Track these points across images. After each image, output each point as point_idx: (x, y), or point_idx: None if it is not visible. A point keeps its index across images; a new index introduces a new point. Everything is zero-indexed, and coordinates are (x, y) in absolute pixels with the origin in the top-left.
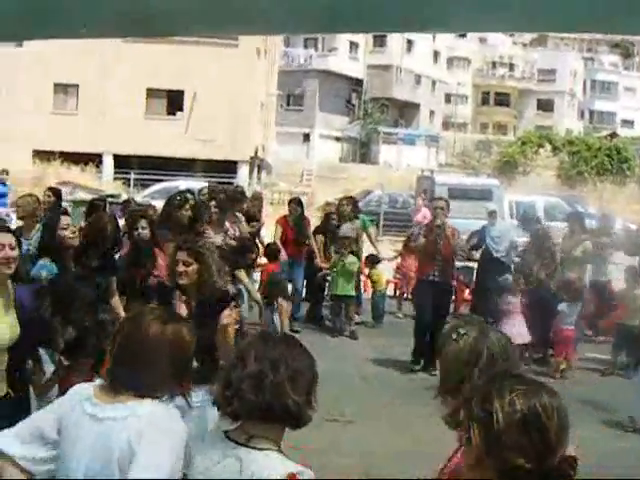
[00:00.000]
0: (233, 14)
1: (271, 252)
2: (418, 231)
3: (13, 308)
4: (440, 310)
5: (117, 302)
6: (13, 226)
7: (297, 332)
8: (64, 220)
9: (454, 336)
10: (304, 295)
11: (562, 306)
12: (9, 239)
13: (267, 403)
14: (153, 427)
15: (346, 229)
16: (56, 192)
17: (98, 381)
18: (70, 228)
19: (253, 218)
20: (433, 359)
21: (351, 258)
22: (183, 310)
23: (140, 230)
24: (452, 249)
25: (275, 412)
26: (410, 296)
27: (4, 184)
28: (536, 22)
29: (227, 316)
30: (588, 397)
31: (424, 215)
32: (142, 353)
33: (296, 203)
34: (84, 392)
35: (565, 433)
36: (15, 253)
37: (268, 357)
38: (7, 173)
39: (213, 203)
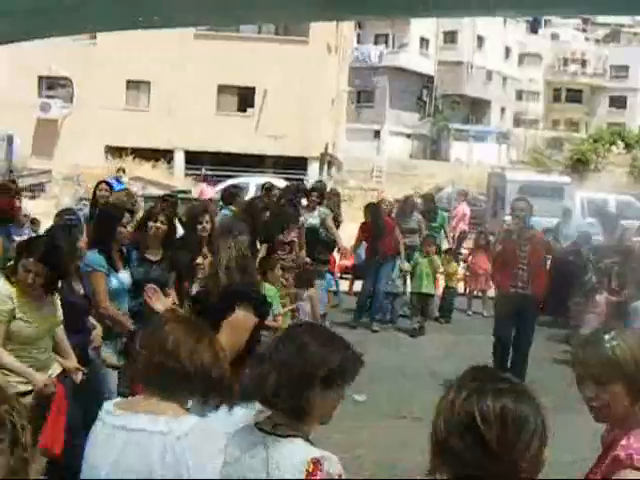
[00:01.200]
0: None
1: None
2: (496, 237)
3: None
4: (523, 326)
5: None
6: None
7: (376, 332)
8: (125, 219)
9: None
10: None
11: (634, 305)
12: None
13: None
14: (197, 451)
15: (412, 221)
16: (111, 185)
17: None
18: (128, 227)
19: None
20: None
21: (435, 257)
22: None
23: (204, 224)
24: (542, 256)
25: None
26: (480, 293)
27: (120, 181)
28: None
29: (233, 318)
30: None
31: (462, 211)
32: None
33: (371, 209)
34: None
35: (518, 440)
36: None
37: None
38: (124, 171)
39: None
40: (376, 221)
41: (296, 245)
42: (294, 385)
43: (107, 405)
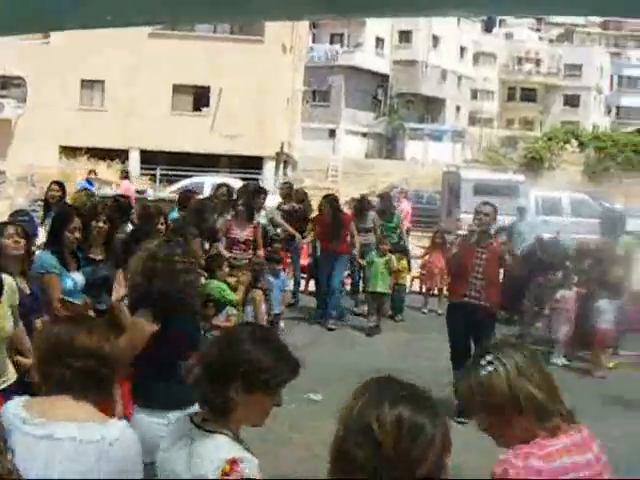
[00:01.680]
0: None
1: None
2: (454, 241)
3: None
4: (479, 338)
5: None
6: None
7: (332, 330)
8: (76, 223)
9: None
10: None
11: (602, 303)
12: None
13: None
14: (129, 454)
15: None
16: (62, 186)
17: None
18: (75, 233)
19: (302, 216)
20: None
21: (389, 255)
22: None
23: (159, 226)
24: (498, 266)
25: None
26: (436, 291)
27: (91, 183)
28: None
29: (130, 322)
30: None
31: (404, 209)
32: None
33: (330, 200)
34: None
35: (414, 448)
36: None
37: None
38: (95, 173)
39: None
40: (334, 213)
41: (250, 244)
42: (214, 379)
43: (15, 409)
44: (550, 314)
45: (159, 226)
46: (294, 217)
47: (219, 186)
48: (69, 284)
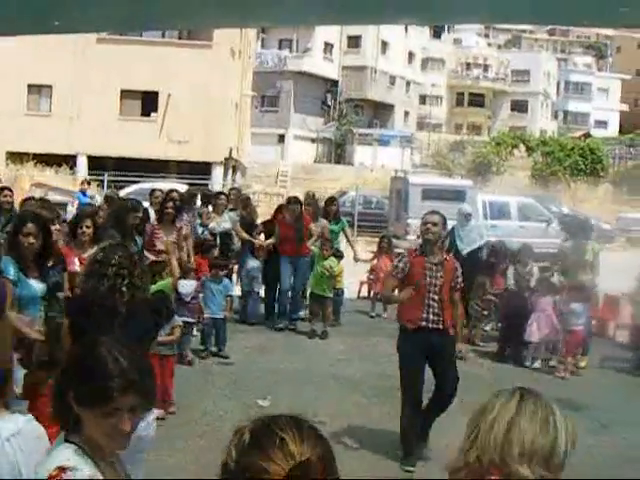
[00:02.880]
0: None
1: None
2: (401, 260)
3: None
4: (442, 367)
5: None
6: None
7: (280, 330)
8: (30, 229)
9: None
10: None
11: (573, 306)
12: None
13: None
14: (28, 450)
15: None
16: (12, 192)
17: None
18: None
19: (252, 222)
20: None
21: (332, 259)
22: None
23: (84, 229)
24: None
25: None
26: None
27: (84, 194)
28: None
29: None
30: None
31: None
32: None
33: (294, 202)
34: None
35: None
36: None
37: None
38: (89, 183)
39: (170, 204)
40: (300, 215)
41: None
42: (55, 386)
43: None
44: (527, 318)
45: (85, 229)
46: (242, 223)
47: (153, 191)
48: (24, 292)
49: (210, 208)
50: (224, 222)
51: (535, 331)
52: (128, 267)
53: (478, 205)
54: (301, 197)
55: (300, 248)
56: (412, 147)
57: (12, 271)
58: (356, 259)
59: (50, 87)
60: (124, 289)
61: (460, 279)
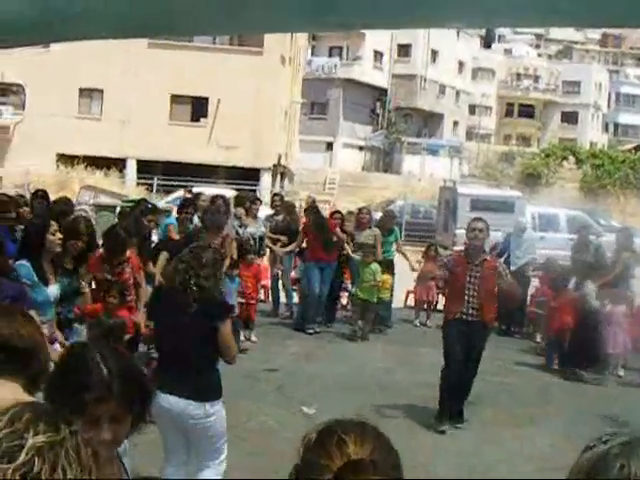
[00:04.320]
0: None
1: None
2: (446, 260)
3: None
4: (469, 355)
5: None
6: None
7: (312, 334)
8: (53, 225)
9: None
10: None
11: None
12: None
13: None
14: None
15: (365, 236)
16: (45, 194)
17: None
18: (57, 234)
19: (290, 228)
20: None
21: (375, 266)
22: None
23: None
24: (493, 283)
25: None
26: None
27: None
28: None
29: None
30: None
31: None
32: None
33: (312, 210)
34: None
35: None
36: None
37: None
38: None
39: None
40: (320, 221)
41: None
42: (43, 392)
43: None
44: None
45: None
46: (283, 229)
47: (197, 195)
48: (40, 298)
49: (242, 211)
50: (262, 227)
51: (618, 342)
52: (195, 268)
53: (527, 217)
54: (350, 206)
55: (326, 254)
56: (461, 157)
57: (30, 276)
58: (413, 268)
59: (101, 91)
60: (194, 288)
61: (506, 272)
